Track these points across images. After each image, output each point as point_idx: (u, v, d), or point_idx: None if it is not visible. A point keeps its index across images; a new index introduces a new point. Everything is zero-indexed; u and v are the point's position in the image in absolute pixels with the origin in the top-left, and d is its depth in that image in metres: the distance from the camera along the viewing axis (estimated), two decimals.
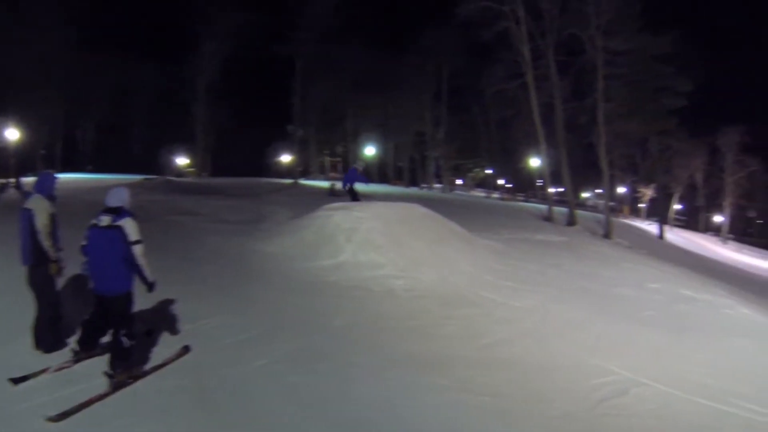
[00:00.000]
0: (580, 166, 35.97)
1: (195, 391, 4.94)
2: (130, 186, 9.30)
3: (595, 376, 6.29)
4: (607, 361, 6.77)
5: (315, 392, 5.19)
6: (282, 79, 45.83)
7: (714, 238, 58.33)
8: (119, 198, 4.90)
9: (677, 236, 47.22)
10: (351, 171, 16.89)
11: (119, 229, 4.72)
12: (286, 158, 48.16)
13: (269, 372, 5.49)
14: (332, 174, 52.23)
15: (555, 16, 27.45)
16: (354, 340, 6.72)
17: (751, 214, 71.22)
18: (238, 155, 48.13)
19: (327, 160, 57.90)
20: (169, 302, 6.79)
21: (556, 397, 5.66)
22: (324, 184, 32.85)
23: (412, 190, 44.42)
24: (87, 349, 5.14)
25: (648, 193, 57.57)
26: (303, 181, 35.97)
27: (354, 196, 15.50)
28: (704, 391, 6.23)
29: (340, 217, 11.86)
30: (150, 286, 4.98)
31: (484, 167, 63.17)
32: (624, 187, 57.84)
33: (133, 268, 4.83)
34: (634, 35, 29.05)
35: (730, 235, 62.00)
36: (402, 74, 48.55)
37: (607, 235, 27.34)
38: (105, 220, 4.76)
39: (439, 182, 57.24)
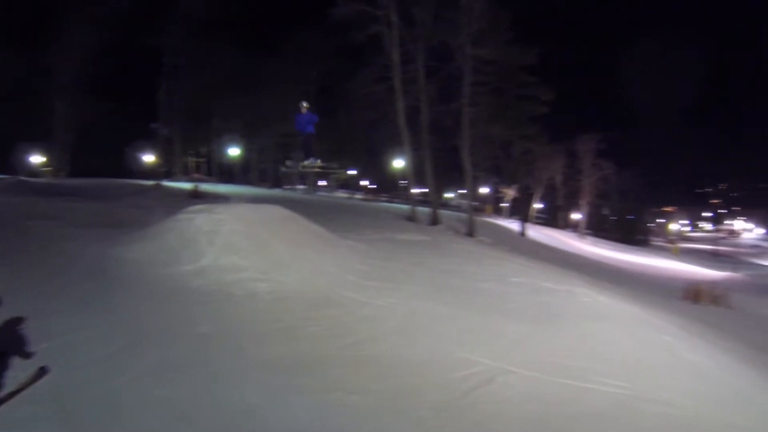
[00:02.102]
0: (445, 168, 36.90)
1: (55, 417, 4.63)
2: None
3: (462, 367, 6.45)
4: (474, 352, 6.96)
5: (184, 404, 5.02)
6: (148, 74, 43.77)
7: (572, 234, 62.44)
8: None
9: (538, 233, 49.73)
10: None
11: None
12: (149, 158, 45.92)
13: (135, 387, 5.24)
14: (196, 175, 50.89)
15: (427, 23, 27.92)
16: (219, 346, 6.55)
17: (606, 211, 77.82)
18: (99, 154, 44.84)
19: (191, 160, 56.35)
20: (20, 318, 6.38)
21: (426, 391, 5.76)
22: (187, 185, 31.92)
23: (276, 192, 43.98)
24: None
25: (510, 193, 60.21)
26: (166, 183, 34.79)
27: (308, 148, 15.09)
28: (566, 372, 6.64)
29: (201, 220, 11.51)
30: None
31: (347, 168, 63.36)
32: (487, 187, 60.10)
33: None
34: (502, 46, 30.13)
35: (588, 231, 67.18)
36: (271, 74, 47.88)
37: (470, 234, 28.20)
38: None
39: (303, 184, 57.07)
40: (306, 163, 15.33)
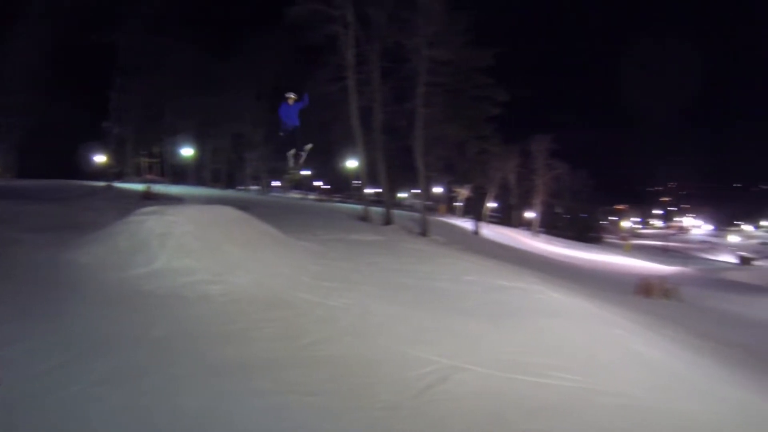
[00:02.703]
0: (398, 168, 37.07)
1: None
2: None
3: (416, 366, 6.44)
4: (428, 351, 6.96)
5: (140, 411, 4.86)
6: (100, 72, 42.65)
7: (526, 232, 63.69)
8: None
9: (492, 231, 50.42)
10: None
11: None
12: (100, 159, 44.64)
13: (88, 398, 5.01)
14: (148, 176, 50.08)
15: (383, 24, 27.93)
16: (173, 350, 6.37)
17: (559, 210, 79.30)
18: (48, 155, 43.84)
19: (143, 161, 55.46)
20: None
21: (380, 390, 5.72)
22: (139, 186, 31.40)
23: (229, 193, 43.63)
24: None
25: (464, 192, 60.74)
26: (118, 184, 34.18)
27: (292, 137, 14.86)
28: (521, 368, 6.68)
29: (153, 222, 11.22)
30: None
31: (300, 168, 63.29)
32: (440, 186, 60.53)
33: None
34: (458, 48, 30.28)
35: (541, 229, 68.55)
36: (225, 73, 47.45)
37: (423, 233, 28.40)
38: None
39: (257, 184, 56.70)
40: (293, 153, 15.13)
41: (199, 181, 52.10)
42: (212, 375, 5.75)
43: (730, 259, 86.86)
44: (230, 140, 53.80)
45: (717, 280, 41.74)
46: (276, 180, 65.69)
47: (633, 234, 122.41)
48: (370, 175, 31.23)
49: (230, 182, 58.47)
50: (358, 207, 31.72)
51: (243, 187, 56.39)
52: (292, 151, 15.23)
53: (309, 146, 15.38)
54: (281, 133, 15.25)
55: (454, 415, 5.35)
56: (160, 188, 31.55)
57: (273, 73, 48.07)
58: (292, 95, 15.38)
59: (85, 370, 5.62)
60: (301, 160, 15.63)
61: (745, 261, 77.09)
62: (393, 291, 10.52)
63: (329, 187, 73.39)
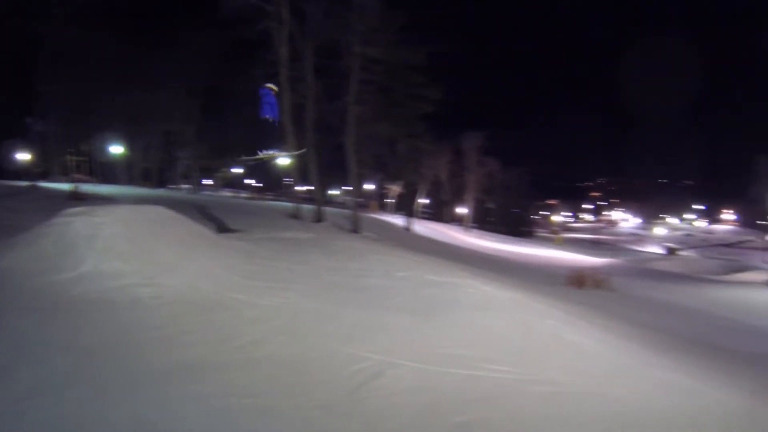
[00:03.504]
0: (330, 165, 37.00)
1: None
2: None
3: (350, 363, 6.44)
4: (362, 348, 6.97)
5: (69, 423, 4.68)
6: (23, 64, 40.77)
7: (458, 228, 63.98)
8: None
9: (424, 227, 50.77)
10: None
11: None
12: (24, 157, 42.50)
13: (13, 413, 4.81)
14: (76, 175, 48.57)
15: (318, 20, 27.79)
16: (105, 357, 6.17)
17: (491, 205, 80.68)
18: None
19: (70, 159, 53.77)
20: None
21: (316, 389, 5.71)
22: (66, 186, 30.40)
23: (160, 192, 42.70)
24: None
25: (395, 189, 61.04)
26: (43, 184, 33.03)
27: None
28: (454, 362, 6.76)
29: (80, 223, 10.83)
30: None
31: (231, 166, 62.33)
32: (372, 183, 60.71)
33: None
34: (392, 45, 30.32)
35: (473, 224, 69.05)
36: (156, 69, 46.03)
37: (355, 230, 28.39)
38: None
39: (188, 183, 55.76)
40: (268, 153, 14.85)
41: (129, 181, 50.77)
42: (146, 382, 5.61)
43: (657, 250, 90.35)
44: (161, 138, 52.63)
45: (645, 270, 43.13)
46: (207, 178, 64.83)
47: (564, 228, 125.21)
48: (301, 172, 31.05)
49: (161, 181, 57.33)
50: (290, 205, 31.46)
51: (174, 186, 55.38)
52: (267, 152, 15.03)
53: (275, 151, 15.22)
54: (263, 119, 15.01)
55: (389, 411, 5.38)
56: (88, 188, 30.61)
57: (205, 69, 47.22)
58: (273, 86, 15.15)
59: (9, 382, 5.40)
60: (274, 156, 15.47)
61: (671, 251, 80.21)
62: (325, 289, 10.47)
63: (261, 185, 72.82)
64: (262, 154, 15.87)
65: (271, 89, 14.94)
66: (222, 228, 17.52)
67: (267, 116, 14.92)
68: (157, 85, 46.57)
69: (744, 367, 10.38)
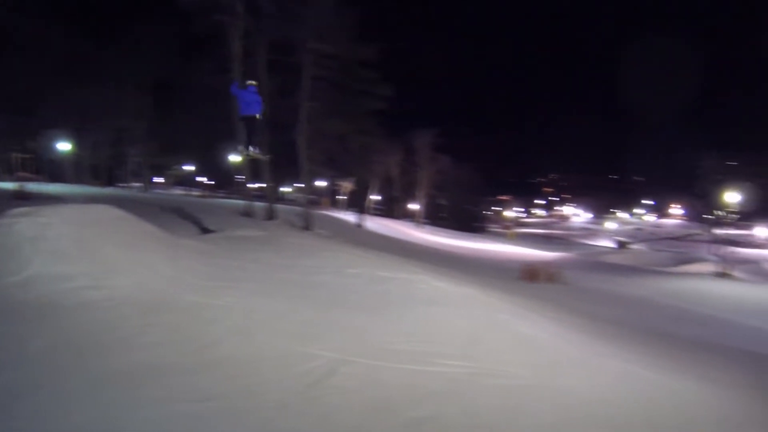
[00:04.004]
0: (281, 162, 36.82)
1: None
2: None
3: (303, 362, 6.39)
4: (314, 346, 6.93)
5: None
6: None
7: (410, 224, 64.42)
8: None
9: (376, 224, 51.07)
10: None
11: None
12: None
13: None
14: (21, 173, 47.33)
15: (272, 15, 27.60)
16: (54, 364, 5.94)
17: (443, 201, 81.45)
18: None
19: (16, 156, 52.33)
20: None
21: (269, 389, 5.66)
22: (11, 185, 29.58)
23: (109, 191, 41.98)
24: None
25: (347, 185, 61.21)
26: None
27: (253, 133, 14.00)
28: (408, 358, 6.78)
29: (24, 224, 10.41)
30: None
31: (182, 164, 61.48)
32: (324, 180, 60.75)
33: None
34: (345, 42, 30.32)
35: (425, 220, 69.51)
36: (105, 63, 45.14)
37: (307, 227, 28.44)
38: None
39: (138, 181, 54.85)
40: (250, 151, 14.59)
41: (78, 179, 49.68)
42: (98, 388, 5.44)
43: (608, 243, 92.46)
44: (111, 134, 51.49)
45: (597, 263, 43.97)
46: (158, 176, 63.88)
47: (516, 223, 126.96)
48: (253, 169, 30.84)
49: (111, 179, 56.31)
50: (242, 203, 31.24)
51: (124, 185, 54.46)
52: (249, 149, 14.82)
53: (257, 151, 15.03)
54: (240, 119, 14.79)
55: (343, 409, 5.37)
56: (34, 187, 30.00)
57: (156, 64, 46.33)
58: (253, 81, 14.92)
59: None
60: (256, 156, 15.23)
61: (621, 245, 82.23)
62: (278, 287, 10.37)
63: (213, 182, 72.07)
64: (252, 153, 15.68)
65: (252, 85, 14.75)
66: (172, 227, 17.24)
67: (248, 114, 14.74)
68: (107, 80, 45.47)
69: (693, 354, 10.70)
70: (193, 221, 20.48)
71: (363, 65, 34.47)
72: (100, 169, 54.88)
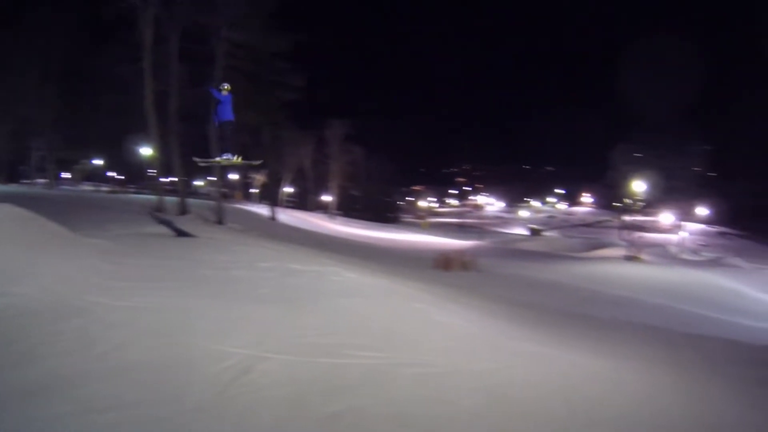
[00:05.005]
0: (194, 155, 36.13)
1: None
2: None
3: (219, 361, 6.24)
4: (229, 344, 6.78)
5: None
6: None
7: (323, 215, 64.78)
8: None
9: (289, 216, 51.32)
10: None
11: None
12: None
13: None
14: None
15: (184, 1, 26.94)
16: None
17: (357, 192, 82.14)
18: None
19: None
20: None
21: (185, 392, 5.47)
22: None
23: (12, 188, 40.24)
24: None
25: (260, 178, 60.93)
26: None
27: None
28: (321, 351, 6.74)
29: None
30: None
31: (91, 158, 59.43)
32: (236, 173, 60.28)
33: None
34: (259, 31, 29.90)
35: (338, 212, 69.97)
36: (6, 50, 42.63)
37: (220, 221, 28.08)
38: None
39: (44, 177, 52.57)
40: (224, 158, 14.20)
41: None
42: (2, 407, 5.03)
43: (522, 231, 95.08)
44: (13, 126, 48.82)
45: (511, 251, 45.24)
46: (66, 172, 61.68)
47: (430, 213, 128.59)
48: (164, 163, 30.15)
49: (13, 175, 53.95)
50: (154, 198, 30.53)
51: (28, 181, 52.30)
52: (224, 157, 14.43)
53: (236, 157, 14.65)
54: (216, 125, 14.37)
55: (260, 407, 5.29)
56: None
57: (62, 51, 44.28)
58: (226, 86, 14.46)
59: None
60: (234, 163, 14.87)
61: (534, 232, 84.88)
62: (190, 284, 10.14)
63: (123, 177, 70.11)
64: (221, 159, 15.34)
65: (223, 90, 14.39)
66: (80, 226, 16.59)
67: (225, 119, 14.41)
68: (8, 68, 43.07)
69: (606, 333, 11.32)
70: (103, 219, 19.86)
71: (277, 56, 34.16)
72: (1, 164, 52.19)
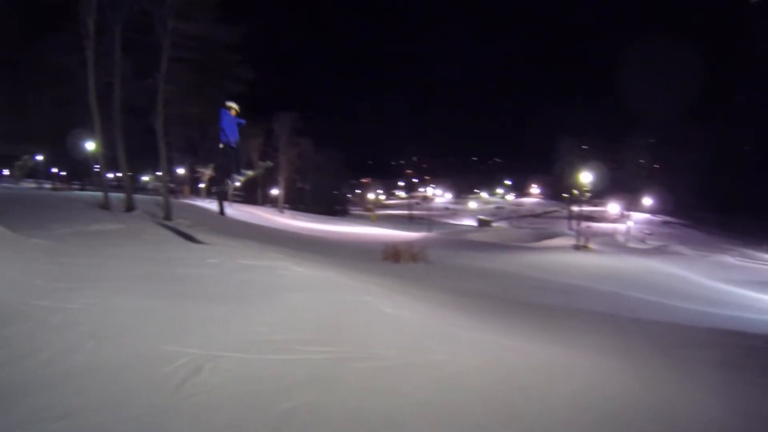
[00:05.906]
0: (140, 149, 35.54)
1: None
2: None
3: (168, 361, 6.12)
4: (179, 343, 6.68)
5: None
6: None
7: (272, 209, 64.80)
8: None
9: (238, 210, 51.05)
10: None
11: None
12: None
13: None
14: None
15: None
16: None
17: (305, 186, 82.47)
18: None
19: None
20: None
21: (135, 395, 5.33)
22: None
23: None
24: None
25: (208, 172, 60.37)
26: None
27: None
28: (274, 347, 6.71)
29: None
30: None
31: (32, 154, 57.89)
32: (184, 168, 59.69)
33: None
34: (207, 22, 29.48)
35: (286, 205, 70.45)
36: None
37: (167, 217, 27.64)
38: None
39: None
40: (243, 176, 13.96)
41: None
42: None
43: (471, 222, 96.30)
44: None
45: (460, 242, 45.66)
46: (5, 168, 60.07)
47: (378, 205, 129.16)
48: (109, 158, 29.57)
49: None
50: (98, 194, 29.92)
51: None
52: (231, 180, 14.20)
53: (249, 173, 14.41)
54: (221, 146, 14.09)
55: (213, 407, 5.23)
56: None
57: None
58: (234, 105, 14.20)
59: None
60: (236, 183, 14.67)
61: (483, 223, 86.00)
62: (137, 283, 9.90)
63: (66, 173, 68.49)
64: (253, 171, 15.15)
65: (231, 109, 14.20)
66: (20, 225, 16.17)
67: (225, 141, 14.18)
68: None
69: (556, 321, 11.49)
70: (45, 217, 19.30)
71: (226, 47, 33.82)
72: None
